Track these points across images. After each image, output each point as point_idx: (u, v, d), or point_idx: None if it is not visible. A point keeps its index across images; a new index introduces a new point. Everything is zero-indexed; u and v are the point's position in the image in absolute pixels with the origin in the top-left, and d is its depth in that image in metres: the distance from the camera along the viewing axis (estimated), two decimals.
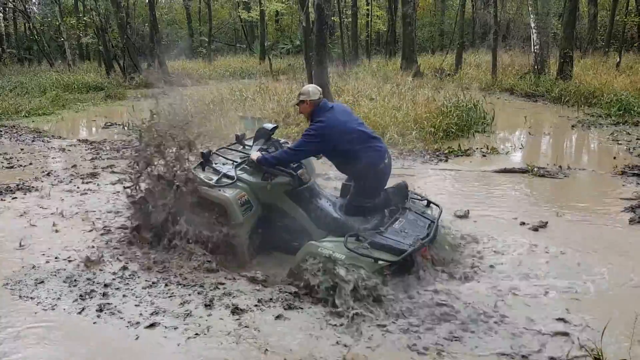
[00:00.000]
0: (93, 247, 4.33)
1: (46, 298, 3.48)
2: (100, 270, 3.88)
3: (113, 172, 6.92)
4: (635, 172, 6.23)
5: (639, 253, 4.05)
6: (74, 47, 27.29)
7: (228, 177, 3.98)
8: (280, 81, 15.70)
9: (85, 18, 22.89)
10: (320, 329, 3.11)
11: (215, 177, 3.98)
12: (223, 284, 3.62)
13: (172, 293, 3.50)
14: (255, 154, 3.92)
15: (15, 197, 5.77)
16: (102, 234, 4.61)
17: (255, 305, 3.33)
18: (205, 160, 4.14)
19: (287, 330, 3.09)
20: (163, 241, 4.05)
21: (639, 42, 19.93)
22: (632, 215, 4.80)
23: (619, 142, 8.02)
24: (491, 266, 3.89)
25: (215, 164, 4.21)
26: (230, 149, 4.51)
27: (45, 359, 2.88)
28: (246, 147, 4.44)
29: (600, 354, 2.74)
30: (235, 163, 4.15)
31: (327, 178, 6.33)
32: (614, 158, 7.01)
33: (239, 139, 4.49)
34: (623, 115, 9.82)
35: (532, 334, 3.01)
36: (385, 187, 4.09)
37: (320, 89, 3.94)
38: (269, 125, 4.25)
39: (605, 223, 4.71)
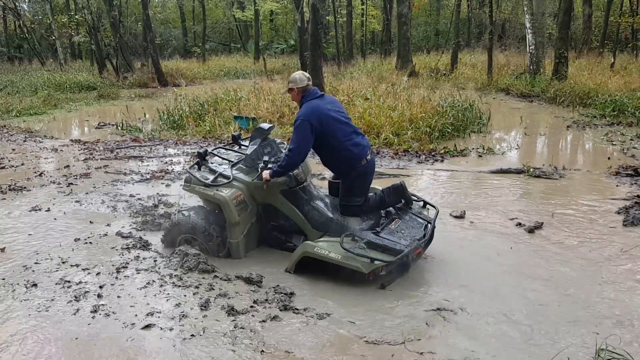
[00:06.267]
0: (89, 245, 4.29)
1: (40, 300, 3.43)
2: (95, 270, 3.83)
3: (107, 172, 6.86)
4: (629, 172, 6.25)
5: (633, 255, 4.05)
6: (66, 46, 27.10)
7: (224, 176, 3.95)
8: (275, 81, 15.66)
9: (77, 16, 22.72)
10: (316, 329, 3.08)
11: (211, 177, 3.96)
12: (218, 284, 3.59)
13: (168, 294, 3.47)
14: (265, 173, 3.85)
15: (5, 199, 5.68)
16: (98, 235, 4.56)
17: (251, 306, 3.31)
18: (201, 160, 4.11)
19: (283, 331, 3.07)
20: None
21: (632, 42, 20.02)
22: (626, 216, 4.81)
23: (613, 142, 8.05)
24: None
25: (212, 163, 4.18)
26: (226, 149, 4.49)
27: None
28: (242, 146, 4.42)
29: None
30: (231, 162, 4.12)
31: (323, 178, 6.32)
32: (609, 159, 7.04)
33: (235, 139, 4.48)
34: (617, 116, 9.88)
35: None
36: (382, 188, 4.08)
37: (308, 75, 4.00)
38: (265, 125, 4.24)
39: (599, 225, 4.71)
